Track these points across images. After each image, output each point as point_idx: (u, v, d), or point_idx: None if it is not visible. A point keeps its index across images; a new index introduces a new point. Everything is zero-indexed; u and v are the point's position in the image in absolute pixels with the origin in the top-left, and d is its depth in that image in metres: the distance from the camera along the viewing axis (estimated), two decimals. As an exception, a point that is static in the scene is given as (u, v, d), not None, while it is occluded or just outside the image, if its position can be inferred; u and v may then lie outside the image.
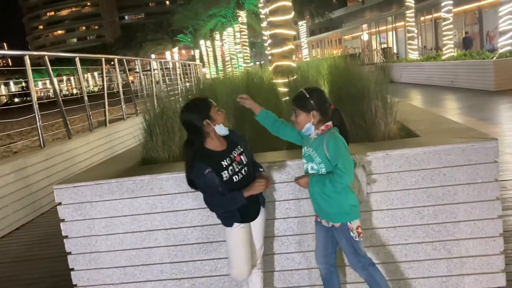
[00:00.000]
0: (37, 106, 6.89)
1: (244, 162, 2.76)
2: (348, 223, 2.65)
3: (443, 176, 3.03)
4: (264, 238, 2.98)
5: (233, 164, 2.70)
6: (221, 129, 2.69)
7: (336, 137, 2.56)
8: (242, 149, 2.78)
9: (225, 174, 2.65)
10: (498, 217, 3.05)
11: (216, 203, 2.72)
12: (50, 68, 7.53)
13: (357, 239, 2.66)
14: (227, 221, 2.79)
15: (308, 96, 2.63)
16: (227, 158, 2.70)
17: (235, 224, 2.77)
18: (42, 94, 35.77)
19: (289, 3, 6.28)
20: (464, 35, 23.16)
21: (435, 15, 26.29)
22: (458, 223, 3.08)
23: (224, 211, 2.77)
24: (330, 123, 2.64)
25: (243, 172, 2.73)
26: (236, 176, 2.70)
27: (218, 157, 2.68)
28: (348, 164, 2.53)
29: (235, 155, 2.74)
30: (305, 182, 2.66)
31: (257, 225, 2.89)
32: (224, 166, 2.66)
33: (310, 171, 2.67)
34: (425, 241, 3.12)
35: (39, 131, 6.91)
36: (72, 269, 3.40)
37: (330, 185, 2.53)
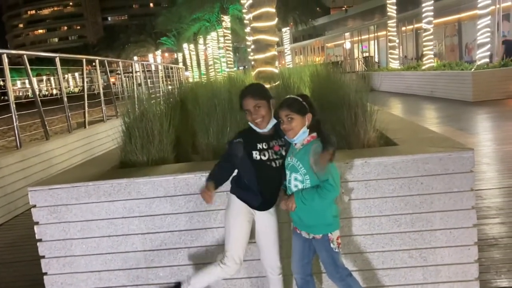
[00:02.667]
0: (14, 106, 6.75)
1: (281, 155, 2.77)
2: (329, 234, 2.63)
3: (421, 184, 3.07)
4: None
5: (269, 151, 2.75)
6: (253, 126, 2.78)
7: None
8: (283, 144, 2.79)
9: (255, 154, 2.72)
10: (473, 226, 3.09)
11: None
12: (29, 67, 7.40)
13: (336, 250, 2.65)
14: (233, 188, 2.87)
15: (301, 99, 2.63)
16: (264, 143, 2.75)
17: (236, 201, 2.81)
18: (20, 94, 35.14)
19: (273, 10, 6.31)
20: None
21: (416, 25, 26.77)
22: (434, 231, 3.12)
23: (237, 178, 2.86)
24: (315, 134, 2.63)
25: (279, 163, 2.74)
26: (274, 163, 2.73)
27: (257, 138, 2.76)
28: (337, 177, 2.55)
29: (274, 144, 2.77)
30: (294, 205, 2.62)
31: (264, 221, 2.85)
32: (258, 148, 2.73)
33: (293, 182, 2.63)
34: (402, 248, 3.15)
35: (16, 131, 6.78)
36: (45, 273, 3.32)
37: (319, 200, 2.52)
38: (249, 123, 2.79)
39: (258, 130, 2.76)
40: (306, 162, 2.55)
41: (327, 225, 2.63)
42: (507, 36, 19.94)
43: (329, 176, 2.49)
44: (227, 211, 2.88)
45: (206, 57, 44.98)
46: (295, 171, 2.62)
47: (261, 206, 2.82)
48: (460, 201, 3.06)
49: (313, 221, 2.63)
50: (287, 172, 2.68)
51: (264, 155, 2.72)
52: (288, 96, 2.70)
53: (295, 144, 2.66)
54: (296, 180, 2.62)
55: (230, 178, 2.91)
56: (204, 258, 3.25)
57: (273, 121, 2.75)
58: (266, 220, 2.86)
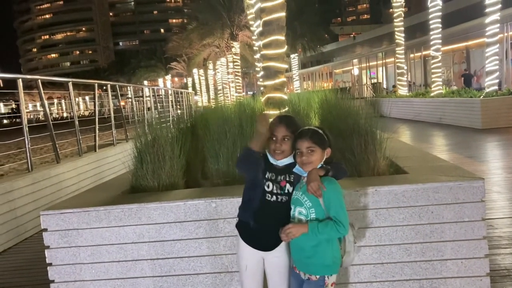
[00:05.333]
0: (27, 129, 6.85)
1: (286, 192, 2.61)
2: (326, 278, 2.44)
3: (431, 213, 3.06)
4: None
5: (275, 185, 2.61)
6: (269, 154, 2.66)
7: (336, 185, 2.43)
8: (292, 180, 2.62)
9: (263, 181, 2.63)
10: (485, 256, 3.07)
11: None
12: (42, 91, 7.54)
13: None
14: (238, 217, 2.75)
15: (322, 132, 2.51)
16: (273, 173, 2.62)
17: (240, 238, 2.70)
18: (31, 117, 35.62)
19: (283, 38, 6.41)
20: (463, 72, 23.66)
21: (424, 52, 26.95)
22: (445, 261, 3.09)
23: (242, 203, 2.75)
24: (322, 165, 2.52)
25: (280, 199, 2.60)
26: (271, 196, 2.60)
27: (268, 166, 2.63)
28: (347, 216, 2.40)
29: (281, 178, 2.61)
30: (300, 231, 2.42)
31: (271, 263, 2.67)
32: (266, 176, 2.61)
33: (297, 216, 2.48)
34: (412, 278, 3.12)
35: (28, 154, 6.85)
36: (54, 298, 3.32)
37: (326, 235, 2.38)
38: (266, 150, 2.68)
39: (272, 160, 2.63)
40: (312, 195, 2.42)
41: (326, 266, 2.45)
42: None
43: (341, 214, 2.36)
44: (237, 256, 2.76)
45: (215, 82, 45.48)
46: (300, 205, 2.48)
47: (264, 243, 2.65)
48: (471, 231, 3.05)
49: (313, 259, 2.44)
50: (292, 206, 2.53)
51: (268, 186, 2.60)
52: (309, 127, 2.56)
53: (304, 178, 2.51)
54: (300, 214, 2.47)
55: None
56: (213, 285, 3.24)
57: (290, 159, 2.60)
58: (273, 262, 2.68)
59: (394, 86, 26.83)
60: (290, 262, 2.65)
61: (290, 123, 2.64)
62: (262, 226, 2.61)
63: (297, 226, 2.43)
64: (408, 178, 3.31)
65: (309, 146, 2.45)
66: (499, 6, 14.25)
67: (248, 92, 47.44)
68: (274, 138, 2.60)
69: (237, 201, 3.16)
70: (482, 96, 14.09)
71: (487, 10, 14.48)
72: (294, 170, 2.57)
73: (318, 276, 2.44)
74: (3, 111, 46.14)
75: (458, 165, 3.67)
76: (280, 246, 2.63)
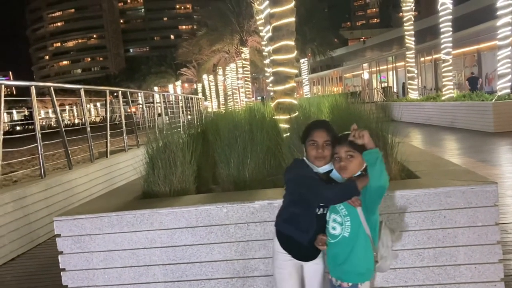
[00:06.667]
0: (40, 135, 6.93)
1: None
2: (359, 285, 2.39)
3: (443, 218, 3.04)
4: None
5: None
6: (309, 162, 2.55)
7: None
8: None
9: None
10: (499, 261, 3.03)
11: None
12: (54, 98, 7.63)
13: None
14: (278, 231, 2.62)
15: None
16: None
17: (281, 250, 2.59)
18: (43, 123, 35.97)
19: (292, 43, 6.42)
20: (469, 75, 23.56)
21: (435, 56, 26.79)
22: (458, 266, 3.06)
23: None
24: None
25: (325, 210, 2.52)
26: (318, 209, 2.51)
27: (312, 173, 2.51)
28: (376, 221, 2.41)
29: None
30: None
31: (310, 272, 2.65)
32: None
33: (332, 223, 2.45)
34: (425, 283, 3.09)
35: (41, 160, 6.93)
36: (68, 303, 3.35)
37: (380, 169, 2.24)
38: (305, 158, 2.57)
39: (312, 166, 2.52)
40: (349, 204, 2.37)
41: (359, 274, 2.41)
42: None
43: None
44: (273, 266, 2.67)
45: (225, 87, 45.64)
46: (335, 212, 2.43)
47: (306, 254, 2.61)
48: (484, 236, 3.02)
49: (346, 261, 2.39)
50: (327, 213, 2.50)
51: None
52: (347, 132, 2.44)
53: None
54: (335, 222, 2.44)
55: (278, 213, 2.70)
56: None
57: (330, 166, 2.51)
58: (312, 269, 2.66)
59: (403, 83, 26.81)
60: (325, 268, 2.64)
61: (329, 127, 2.56)
62: (311, 239, 2.54)
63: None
64: (420, 182, 3.29)
65: (348, 151, 2.38)
66: (511, 8, 14.15)
67: (257, 97, 47.55)
68: (313, 143, 2.51)
69: (248, 206, 3.18)
70: (494, 100, 13.96)
71: (499, 12, 14.39)
72: (331, 175, 2.50)
73: (350, 284, 2.40)
74: (16, 118, 46.70)
75: (471, 169, 3.65)
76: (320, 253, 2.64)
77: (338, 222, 2.42)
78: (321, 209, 2.52)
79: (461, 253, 3.05)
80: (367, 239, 2.39)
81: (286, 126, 5.92)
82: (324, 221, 2.51)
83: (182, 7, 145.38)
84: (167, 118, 15.75)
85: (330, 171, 2.52)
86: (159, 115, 16.13)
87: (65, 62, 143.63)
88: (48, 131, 10.48)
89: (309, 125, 2.62)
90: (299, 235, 2.53)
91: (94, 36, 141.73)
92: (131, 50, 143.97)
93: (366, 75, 39.71)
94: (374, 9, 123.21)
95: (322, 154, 2.47)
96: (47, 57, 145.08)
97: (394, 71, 34.01)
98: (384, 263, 2.46)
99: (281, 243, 2.60)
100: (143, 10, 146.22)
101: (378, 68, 37.13)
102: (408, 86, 22.06)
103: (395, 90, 33.00)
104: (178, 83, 63.87)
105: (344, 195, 2.38)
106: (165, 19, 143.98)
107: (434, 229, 3.05)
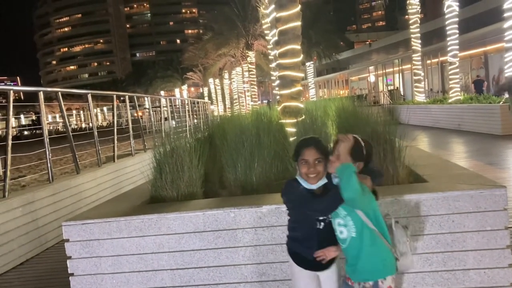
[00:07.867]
0: (47, 140, 6.97)
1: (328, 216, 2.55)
2: (380, 282, 2.36)
3: (452, 222, 3.02)
4: None
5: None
6: (302, 179, 2.55)
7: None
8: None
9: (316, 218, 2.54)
10: (509, 266, 3.01)
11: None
12: (62, 103, 7.68)
13: None
14: (288, 248, 2.65)
15: (363, 145, 2.45)
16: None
17: (294, 263, 2.60)
18: (51, 128, 36.22)
19: (298, 47, 6.43)
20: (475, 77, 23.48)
21: (441, 58, 26.69)
22: (467, 271, 3.04)
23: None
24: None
25: (328, 221, 2.53)
26: (319, 224, 2.53)
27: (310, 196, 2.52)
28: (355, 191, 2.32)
29: None
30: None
31: (328, 278, 2.62)
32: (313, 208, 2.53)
33: (338, 228, 2.46)
34: (434, 288, 3.08)
35: (49, 165, 6.97)
36: (76, 308, 3.36)
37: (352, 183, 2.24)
38: (297, 176, 2.58)
39: (305, 184, 2.52)
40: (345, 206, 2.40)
41: (376, 270, 2.39)
42: None
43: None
44: (291, 276, 2.69)
45: (231, 91, 45.73)
46: (337, 216, 2.47)
47: (318, 264, 2.57)
48: (493, 240, 3.00)
49: (357, 261, 2.40)
50: (333, 220, 2.51)
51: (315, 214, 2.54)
52: (354, 135, 2.46)
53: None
54: (340, 226, 2.46)
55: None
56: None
57: (324, 180, 2.54)
58: (328, 277, 2.63)
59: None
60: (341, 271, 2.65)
61: (319, 144, 2.55)
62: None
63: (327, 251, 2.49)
64: (428, 186, 3.28)
65: (337, 154, 2.40)
66: (518, 10, 14.07)
67: (263, 101, 47.59)
68: (303, 162, 2.51)
69: (255, 211, 3.18)
70: (501, 102, 13.87)
71: (505, 14, 14.30)
72: (334, 183, 2.46)
73: (371, 283, 2.37)
74: (24, 123, 47.06)
75: (479, 173, 3.63)
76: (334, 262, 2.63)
77: (343, 225, 2.44)
78: (321, 223, 2.53)
79: (470, 257, 3.03)
80: (373, 232, 2.38)
81: (293, 129, 5.92)
82: (331, 234, 2.51)
83: (188, 12, 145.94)
84: (174, 122, 15.79)
85: (326, 184, 2.53)
86: (166, 119, 16.17)
87: (72, 67, 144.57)
88: (56, 136, 10.54)
89: (299, 143, 2.62)
90: (304, 251, 2.56)
91: (101, 41, 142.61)
92: (137, 55, 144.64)
93: (372, 78, 39.64)
94: (380, 12, 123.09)
95: (314, 171, 2.48)
96: (54, 62, 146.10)
97: (400, 74, 33.91)
98: (405, 259, 2.44)
99: (292, 259, 2.63)
100: (149, 14, 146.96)
101: (384, 71, 37.05)
102: (415, 89, 21.99)
103: (402, 93, 32.89)
104: (184, 87, 64.03)
105: (348, 180, 2.28)
106: (171, 23, 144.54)
107: (442, 234, 3.04)
